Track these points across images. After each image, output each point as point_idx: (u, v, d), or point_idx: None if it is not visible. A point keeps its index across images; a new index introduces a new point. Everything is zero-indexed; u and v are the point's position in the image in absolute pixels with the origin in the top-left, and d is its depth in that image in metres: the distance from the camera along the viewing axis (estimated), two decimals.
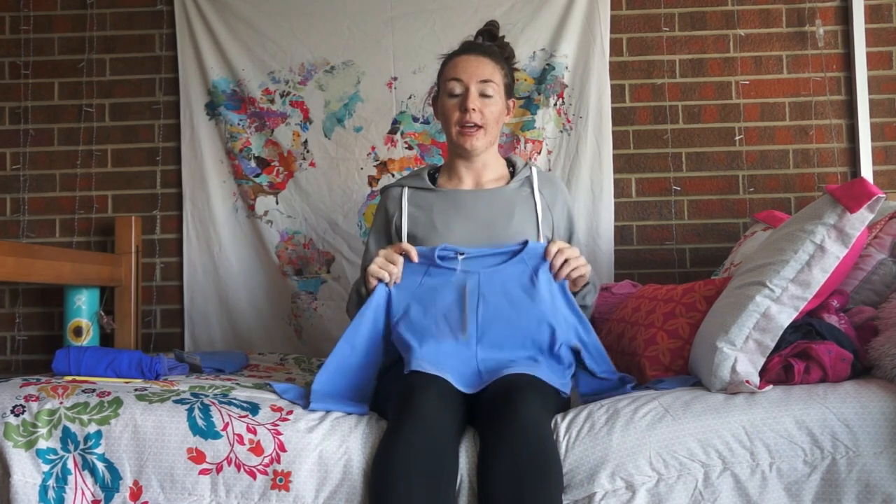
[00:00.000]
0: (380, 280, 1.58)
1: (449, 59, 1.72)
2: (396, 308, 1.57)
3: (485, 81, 1.65)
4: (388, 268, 1.57)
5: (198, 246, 2.63)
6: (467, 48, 1.71)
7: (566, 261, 1.55)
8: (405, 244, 1.59)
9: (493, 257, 1.58)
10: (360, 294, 1.65)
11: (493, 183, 1.73)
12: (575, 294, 1.60)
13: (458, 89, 1.66)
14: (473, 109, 1.63)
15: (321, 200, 2.58)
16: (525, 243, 1.58)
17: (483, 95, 1.65)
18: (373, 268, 1.57)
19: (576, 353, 1.55)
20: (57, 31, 2.70)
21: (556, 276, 1.56)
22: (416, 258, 1.57)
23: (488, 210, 1.67)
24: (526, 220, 1.65)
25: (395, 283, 1.58)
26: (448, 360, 1.45)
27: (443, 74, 1.72)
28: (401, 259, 1.58)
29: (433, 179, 1.77)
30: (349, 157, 2.59)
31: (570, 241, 1.74)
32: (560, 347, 1.51)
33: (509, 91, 1.73)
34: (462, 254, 1.57)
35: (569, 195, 1.80)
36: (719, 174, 2.58)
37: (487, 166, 1.73)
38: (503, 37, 1.78)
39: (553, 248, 1.56)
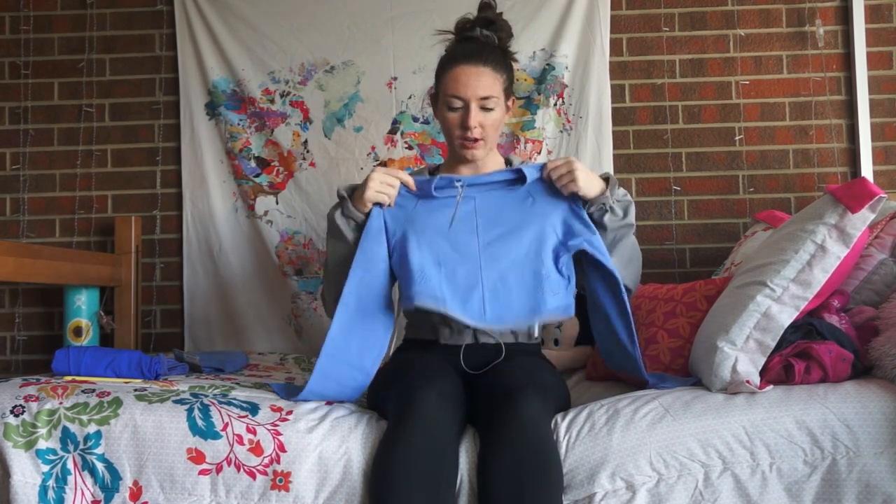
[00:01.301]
0: (376, 203, 1.53)
1: (448, 66, 1.60)
2: (392, 233, 1.54)
3: (485, 98, 1.58)
4: (386, 190, 1.52)
5: (198, 246, 2.63)
6: (467, 55, 1.59)
7: (561, 175, 1.52)
8: (402, 174, 1.56)
9: (489, 185, 1.57)
10: (345, 217, 1.54)
11: None
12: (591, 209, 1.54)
13: (457, 104, 1.59)
14: (475, 127, 1.59)
15: (321, 200, 2.58)
16: (520, 172, 1.56)
17: (484, 109, 1.59)
18: (370, 193, 1.51)
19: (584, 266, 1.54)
20: (57, 31, 2.70)
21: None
22: (413, 187, 1.55)
23: None
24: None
25: (389, 206, 1.54)
26: (450, 288, 1.46)
27: (441, 82, 1.62)
28: (398, 182, 1.54)
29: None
30: (349, 157, 2.59)
31: None
32: (561, 261, 1.50)
33: (509, 92, 1.67)
34: (459, 181, 1.56)
35: None
36: (719, 174, 2.58)
37: (486, 165, 1.72)
38: (501, 13, 1.67)
39: (545, 172, 1.55)
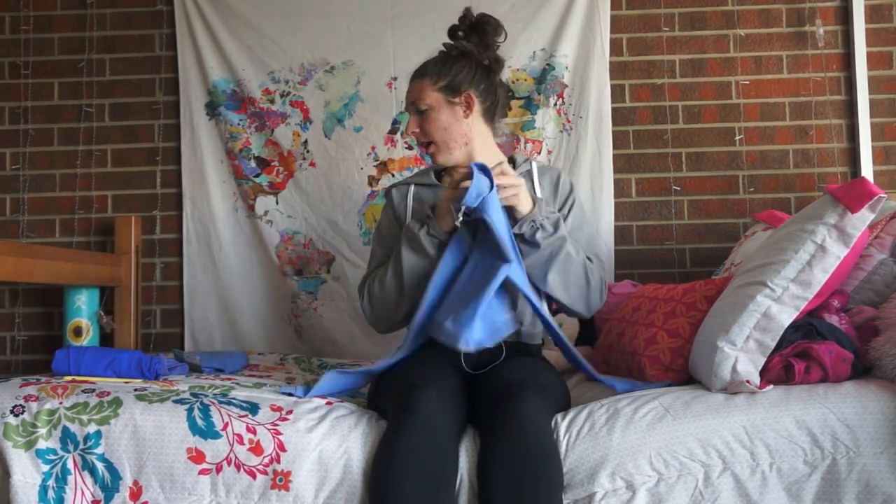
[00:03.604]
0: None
1: None
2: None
3: (413, 103, 1.69)
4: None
5: (198, 246, 2.63)
6: (411, 77, 1.73)
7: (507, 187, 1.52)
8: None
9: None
10: (430, 237, 1.57)
11: None
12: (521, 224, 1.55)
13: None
14: (409, 134, 1.70)
15: (321, 200, 2.58)
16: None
17: (418, 113, 1.69)
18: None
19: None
20: (57, 31, 2.70)
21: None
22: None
23: None
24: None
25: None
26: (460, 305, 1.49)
27: None
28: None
29: (439, 178, 1.77)
30: (349, 157, 2.58)
31: (568, 221, 1.69)
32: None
33: (453, 90, 1.66)
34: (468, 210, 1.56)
35: (569, 179, 1.75)
36: (719, 174, 2.58)
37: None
38: (481, 19, 1.68)
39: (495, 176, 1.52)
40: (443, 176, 1.78)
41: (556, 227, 1.56)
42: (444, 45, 1.72)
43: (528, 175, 1.72)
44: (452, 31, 1.72)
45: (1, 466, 1.39)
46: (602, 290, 1.66)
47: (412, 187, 1.75)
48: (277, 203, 2.60)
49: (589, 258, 1.65)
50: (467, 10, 1.70)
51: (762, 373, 1.42)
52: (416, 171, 2.52)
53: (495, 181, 1.49)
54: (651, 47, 2.60)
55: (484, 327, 1.45)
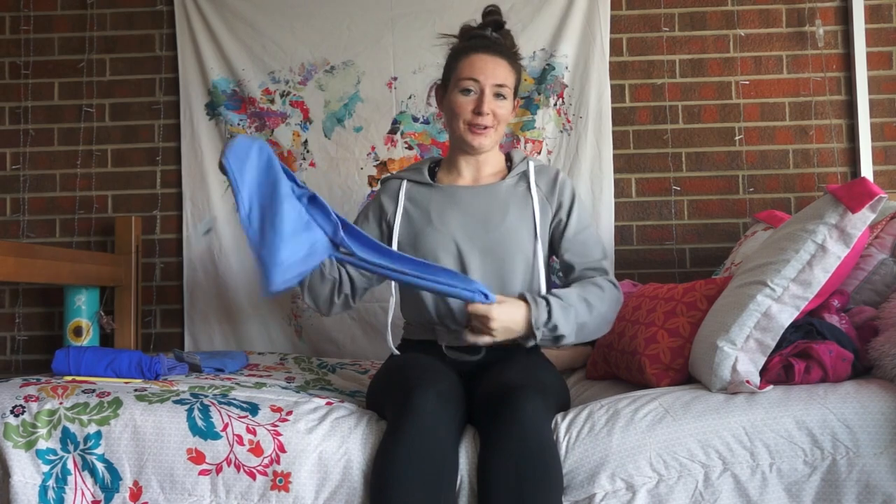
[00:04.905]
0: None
1: (463, 53, 1.64)
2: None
3: (500, 85, 1.62)
4: None
5: (198, 246, 2.63)
6: (484, 46, 1.63)
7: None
8: None
9: None
10: None
11: (491, 178, 1.70)
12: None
13: (472, 88, 1.62)
14: (488, 113, 1.62)
15: None
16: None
17: (497, 96, 1.62)
18: None
19: None
20: (57, 31, 2.70)
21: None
22: None
23: (483, 206, 1.64)
24: (521, 216, 1.62)
25: None
26: None
27: (455, 67, 1.64)
28: None
29: (433, 173, 1.75)
30: (349, 157, 2.58)
31: (570, 224, 1.65)
32: None
33: (517, 91, 1.70)
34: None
35: (568, 179, 1.72)
36: (719, 174, 2.58)
37: (487, 162, 1.70)
38: (505, 22, 1.71)
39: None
40: (436, 173, 1.75)
41: (555, 339, 1.49)
42: (492, 34, 1.66)
43: (525, 177, 1.70)
44: (484, 26, 1.67)
45: (1, 467, 1.40)
46: (619, 299, 1.60)
47: (405, 184, 1.72)
48: None
49: (595, 269, 1.60)
50: (494, 9, 1.70)
51: (762, 373, 1.42)
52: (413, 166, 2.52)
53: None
54: (651, 47, 2.60)
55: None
